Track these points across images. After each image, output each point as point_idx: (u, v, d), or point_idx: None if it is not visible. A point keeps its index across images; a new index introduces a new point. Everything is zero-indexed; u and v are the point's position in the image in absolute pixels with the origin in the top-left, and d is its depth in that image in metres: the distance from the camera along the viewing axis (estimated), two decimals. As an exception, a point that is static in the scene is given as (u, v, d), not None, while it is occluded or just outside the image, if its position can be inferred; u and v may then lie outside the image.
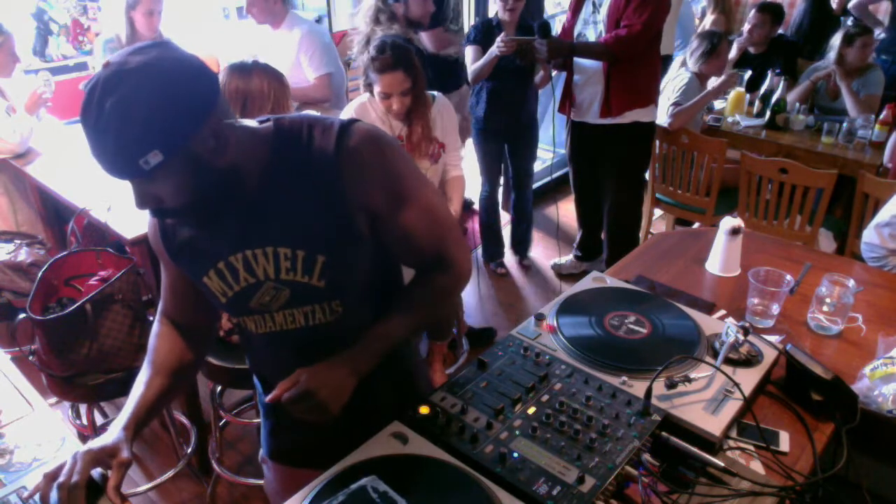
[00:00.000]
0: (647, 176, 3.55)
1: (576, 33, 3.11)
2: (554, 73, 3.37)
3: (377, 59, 2.24)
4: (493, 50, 3.00)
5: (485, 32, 3.17)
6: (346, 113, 2.38)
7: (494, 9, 3.23)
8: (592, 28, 3.03)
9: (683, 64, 3.51)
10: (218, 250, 1.12)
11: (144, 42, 0.97)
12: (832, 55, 3.56)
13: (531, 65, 3.19)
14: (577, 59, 3.12)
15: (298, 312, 1.15)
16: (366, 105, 2.41)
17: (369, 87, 2.35)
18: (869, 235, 2.31)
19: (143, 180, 0.93)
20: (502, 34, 2.99)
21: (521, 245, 3.93)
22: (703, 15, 4.80)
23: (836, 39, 3.55)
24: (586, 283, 1.62)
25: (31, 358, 2.00)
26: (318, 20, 4.22)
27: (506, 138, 3.49)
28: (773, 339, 1.45)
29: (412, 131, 2.37)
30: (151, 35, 3.10)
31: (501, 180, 3.81)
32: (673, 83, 3.42)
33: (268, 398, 1.07)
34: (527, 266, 3.91)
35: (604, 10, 2.95)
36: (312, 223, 1.08)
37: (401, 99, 2.27)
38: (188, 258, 1.16)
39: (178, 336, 1.27)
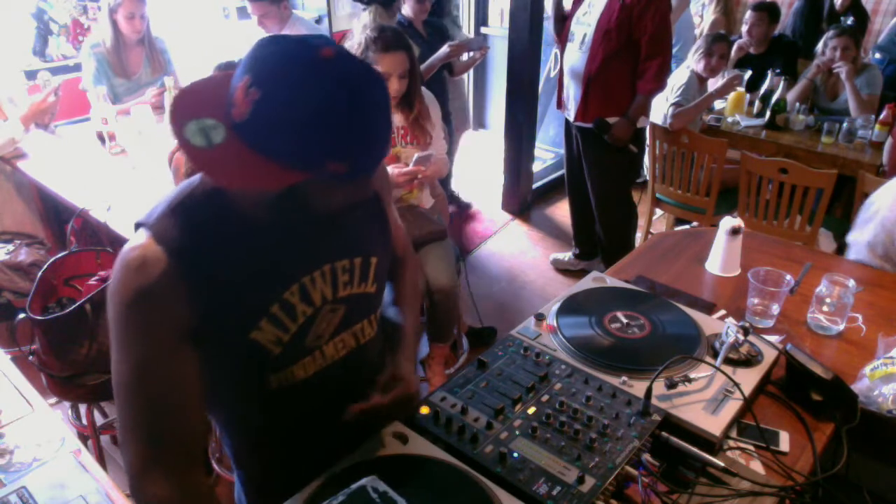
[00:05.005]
0: (646, 177, 3.54)
1: (571, 30, 3.11)
2: (553, 69, 3.39)
3: (378, 38, 2.22)
4: (442, 54, 3.25)
5: None
6: None
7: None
8: (582, 28, 3.03)
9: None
10: (272, 288, 0.97)
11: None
12: (828, 52, 3.54)
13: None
14: (565, 60, 3.13)
15: (348, 335, 1.11)
16: None
17: None
18: (859, 252, 1.97)
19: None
20: (452, 42, 3.30)
21: None
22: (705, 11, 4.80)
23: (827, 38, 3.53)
24: (586, 283, 1.62)
25: (30, 358, 2.00)
26: (318, 20, 4.22)
27: None
28: (773, 339, 1.45)
29: (414, 114, 2.39)
30: (136, 38, 3.10)
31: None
32: (672, 82, 3.42)
33: (356, 406, 1.06)
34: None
35: (595, 13, 2.94)
36: (364, 224, 1.09)
37: (399, 81, 2.27)
38: (225, 318, 0.94)
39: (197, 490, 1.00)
